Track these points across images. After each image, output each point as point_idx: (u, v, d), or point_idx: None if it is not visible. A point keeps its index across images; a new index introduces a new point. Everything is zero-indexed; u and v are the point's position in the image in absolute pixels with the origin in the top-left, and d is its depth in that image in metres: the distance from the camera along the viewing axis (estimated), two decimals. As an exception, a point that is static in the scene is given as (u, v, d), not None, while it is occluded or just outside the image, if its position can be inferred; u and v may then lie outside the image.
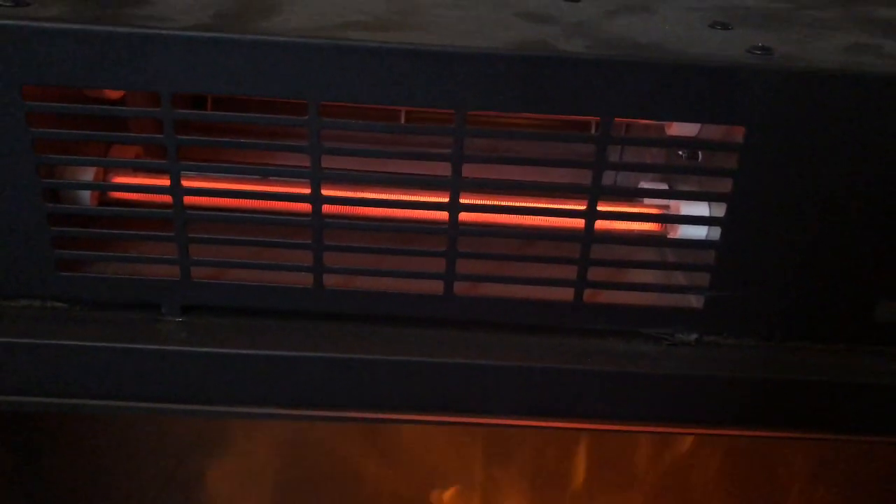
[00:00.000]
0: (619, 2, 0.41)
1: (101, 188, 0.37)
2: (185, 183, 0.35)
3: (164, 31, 0.32)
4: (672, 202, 0.39)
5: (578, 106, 0.33)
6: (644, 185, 0.43)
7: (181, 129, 0.33)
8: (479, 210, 0.36)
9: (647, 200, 0.42)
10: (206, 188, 0.35)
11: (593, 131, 0.49)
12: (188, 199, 0.35)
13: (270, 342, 0.37)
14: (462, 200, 0.35)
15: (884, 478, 0.48)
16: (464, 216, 0.36)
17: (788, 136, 0.34)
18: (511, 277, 0.37)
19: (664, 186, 0.43)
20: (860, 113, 0.33)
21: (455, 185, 0.34)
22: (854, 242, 0.36)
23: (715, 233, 0.36)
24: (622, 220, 0.37)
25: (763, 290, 0.37)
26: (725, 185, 0.35)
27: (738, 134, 0.34)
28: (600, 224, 0.37)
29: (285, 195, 0.35)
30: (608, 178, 0.47)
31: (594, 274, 0.37)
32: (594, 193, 0.35)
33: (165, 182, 0.34)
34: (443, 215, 0.35)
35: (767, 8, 0.43)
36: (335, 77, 0.32)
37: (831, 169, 0.34)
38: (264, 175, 0.35)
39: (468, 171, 0.35)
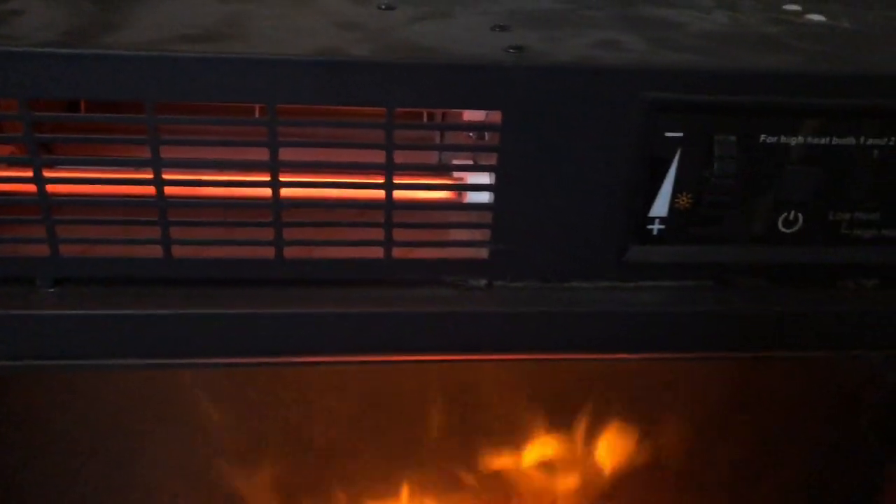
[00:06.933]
0: (427, 10, 0.49)
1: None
2: (48, 174, 0.42)
3: (17, 49, 0.38)
4: (466, 174, 0.47)
5: (367, 99, 0.41)
6: (457, 161, 0.52)
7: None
8: (299, 186, 0.44)
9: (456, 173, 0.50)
10: (64, 177, 0.42)
11: (425, 119, 0.57)
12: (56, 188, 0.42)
13: (129, 304, 0.44)
14: (284, 178, 0.43)
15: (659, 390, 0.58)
16: (289, 191, 0.44)
17: (537, 118, 0.42)
18: (332, 241, 0.45)
19: (470, 162, 0.51)
20: (588, 97, 0.42)
21: (274, 167, 0.42)
22: (603, 200, 0.45)
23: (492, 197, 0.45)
24: (414, 189, 0.45)
25: (534, 242, 0.46)
26: (494, 159, 0.43)
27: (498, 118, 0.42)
28: (402, 194, 0.45)
29: (134, 180, 0.42)
30: (434, 156, 0.56)
31: (403, 234, 0.45)
32: (389, 169, 0.43)
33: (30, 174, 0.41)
34: (268, 192, 0.43)
35: (552, 9, 0.52)
36: (167, 81, 0.40)
37: (576, 143, 0.43)
38: (112, 165, 0.42)
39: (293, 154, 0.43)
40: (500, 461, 0.62)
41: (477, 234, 0.47)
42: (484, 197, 0.46)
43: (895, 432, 0.67)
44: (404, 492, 0.62)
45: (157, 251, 0.44)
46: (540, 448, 0.61)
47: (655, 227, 0.46)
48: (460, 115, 0.53)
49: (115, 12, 0.44)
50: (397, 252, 0.45)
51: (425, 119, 0.56)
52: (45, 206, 0.42)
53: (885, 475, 0.68)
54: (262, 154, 0.42)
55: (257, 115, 0.52)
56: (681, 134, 0.44)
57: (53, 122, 0.42)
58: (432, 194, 0.46)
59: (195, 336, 0.44)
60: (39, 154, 0.41)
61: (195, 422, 0.56)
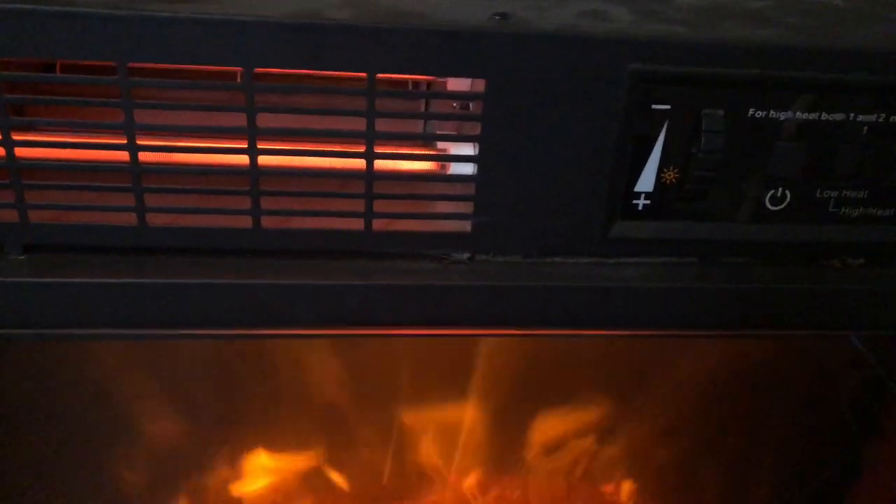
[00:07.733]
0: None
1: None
2: (18, 136, 0.40)
3: (-12, 7, 0.37)
4: (449, 144, 0.46)
5: (347, 64, 0.40)
6: (440, 131, 0.51)
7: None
8: (278, 154, 0.42)
9: (440, 144, 0.49)
10: (34, 140, 0.41)
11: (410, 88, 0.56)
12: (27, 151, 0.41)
13: (102, 272, 0.43)
14: (262, 146, 0.42)
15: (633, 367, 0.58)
16: (267, 159, 0.42)
17: (521, 87, 0.41)
18: (311, 211, 0.44)
19: (453, 132, 0.50)
20: (573, 67, 0.41)
21: (251, 133, 0.41)
22: (588, 173, 0.44)
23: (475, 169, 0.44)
24: (396, 159, 0.44)
25: (517, 216, 0.45)
26: (477, 129, 0.42)
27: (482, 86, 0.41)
28: (384, 164, 0.44)
29: (108, 145, 0.41)
30: (418, 126, 0.55)
31: (384, 206, 0.44)
32: (370, 138, 0.42)
33: (-1, 137, 0.40)
34: (245, 159, 0.42)
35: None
36: (140, 42, 0.38)
37: (560, 114, 0.42)
38: (85, 129, 0.41)
39: (272, 121, 0.41)
40: (478, 436, 0.61)
41: (461, 207, 0.46)
42: (467, 168, 0.45)
43: (874, 415, 0.67)
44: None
45: (130, 219, 0.42)
46: (521, 423, 0.60)
47: (641, 202, 0.45)
48: (445, 84, 0.52)
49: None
50: (378, 224, 0.44)
51: (410, 88, 0.55)
52: (15, 171, 0.41)
53: (863, 458, 0.68)
54: (240, 120, 0.41)
55: (239, 80, 0.51)
56: (668, 107, 0.43)
57: (26, 84, 0.41)
58: (415, 165, 0.45)
59: (168, 306, 0.43)
60: (8, 116, 0.39)
61: (170, 392, 0.55)
